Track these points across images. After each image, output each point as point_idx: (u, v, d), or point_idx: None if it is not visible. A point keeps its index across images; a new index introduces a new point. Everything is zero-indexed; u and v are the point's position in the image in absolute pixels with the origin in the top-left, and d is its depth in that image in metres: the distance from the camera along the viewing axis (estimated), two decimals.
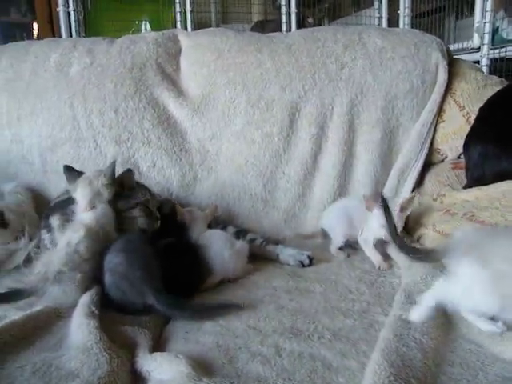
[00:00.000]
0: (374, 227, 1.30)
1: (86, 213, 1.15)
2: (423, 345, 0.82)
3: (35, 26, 3.61)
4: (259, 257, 1.37)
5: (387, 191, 1.56)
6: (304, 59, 1.58)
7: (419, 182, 1.58)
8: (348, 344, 0.88)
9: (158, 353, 0.86)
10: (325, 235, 1.41)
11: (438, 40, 1.64)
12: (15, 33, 3.59)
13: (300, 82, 1.56)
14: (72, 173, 1.23)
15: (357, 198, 1.48)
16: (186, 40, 1.69)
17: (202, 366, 0.81)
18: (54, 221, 1.30)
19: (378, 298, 1.09)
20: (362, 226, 1.36)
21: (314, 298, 1.10)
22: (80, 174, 1.23)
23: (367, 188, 1.56)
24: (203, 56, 1.62)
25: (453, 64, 1.63)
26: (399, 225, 1.30)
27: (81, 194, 1.17)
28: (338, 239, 1.38)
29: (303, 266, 1.32)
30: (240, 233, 1.40)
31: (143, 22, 3.53)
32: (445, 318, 0.93)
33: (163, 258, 1.10)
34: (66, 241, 1.10)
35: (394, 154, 1.59)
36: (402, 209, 1.31)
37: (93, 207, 1.16)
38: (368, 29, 1.67)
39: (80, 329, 0.89)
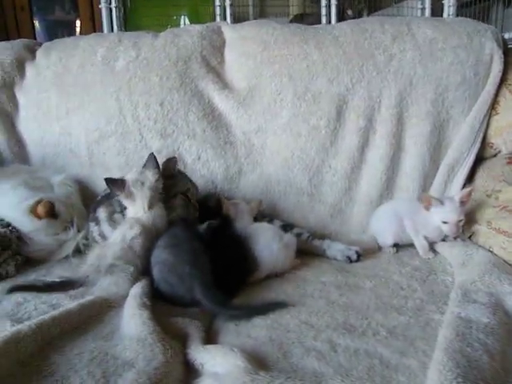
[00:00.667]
0: (430, 226, 1.32)
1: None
2: (488, 346, 0.79)
3: (78, 23, 3.67)
4: (305, 251, 1.35)
5: (436, 186, 1.52)
6: (352, 51, 1.54)
7: (469, 178, 1.52)
8: (405, 342, 0.85)
9: (212, 345, 0.86)
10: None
11: (492, 28, 1.57)
12: (59, 31, 3.67)
13: (348, 75, 1.53)
14: (115, 182, 1.20)
15: (404, 199, 1.46)
16: (231, 32, 1.68)
17: (256, 360, 0.80)
18: (101, 214, 1.32)
19: (431, 296, 1.06)
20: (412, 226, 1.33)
21: (365, 293, 1.08)
22: (122, 180, 1.21)
23: (415, 182, 1.51)
24: (249, 48, 1.60)
25: (508, 53, 1.56)
26: (461, 218, 1.28)
27: (140, 197, 1.17)
28: (387, 243, 1.37)
29: (351, 261, 1.30)
30: (286, 227, 1.39)
31: (182, 17, 3.55)
32: (507, 318, 0.89)
33: (209, 250, 1.10)
34: (120, 236, 1.12)
35: (443, 148, 1.53)
36: (462, 202, 1.28)
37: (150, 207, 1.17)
38: (417, 19, 1.62)
39: (133, 319, 0.90)
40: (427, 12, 3.07)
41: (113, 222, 1.29)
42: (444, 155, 1.53)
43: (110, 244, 1.14)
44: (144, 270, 1.09)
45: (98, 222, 1.33)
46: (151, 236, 1.12)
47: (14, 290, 1.09)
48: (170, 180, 1.26)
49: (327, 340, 0.87)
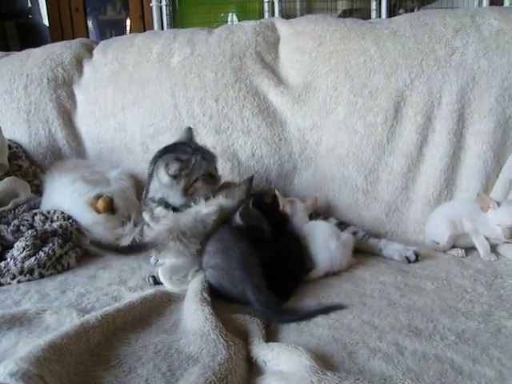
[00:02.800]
0: (489, 228, 1.27)
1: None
2: None
3: (128, 22, 3.75)
4: (360, 250, 1.32)
5: (499, 186, 1.44)
6: (411, 45, 1.49)
7: None
8: (477, 349, 0.82)
9: (275, 343, 0.85)
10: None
11: None
12: (110, 30, 3.76)
13: (406, 70, 1.48)
14: None
15: (463, 199, 1.41)
16: (285, 28, 1.67)
17: (321, 359, 0.78)
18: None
19: (500, 301, 1.01)
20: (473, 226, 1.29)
21: (427, 295, 1.05)
22: None
23: (476, 183, 1.45)
24: (304, 44, 1.58)
25: None
26: None
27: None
28: (445, 245, 1.32)
29: (409, 261, 1.26)
30: (341, 225, 1.36)
31: (229, 14, 3.56)
32: None
33: (265, 248, 1.09)
34: (195, 210, 1.14)
35: (507, 147, 1.46)
36: None
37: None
38: (482, 9, 1.54)
39: (195, 314, 0.90)
40: (485, 3, 2.92)
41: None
42: (508, 154, 1.46)
43: (184, 213, 1.16)
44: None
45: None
46: (223, 219, 1.14)
47: (93, 244, 1.21)
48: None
49: (393, 342, 0.84)
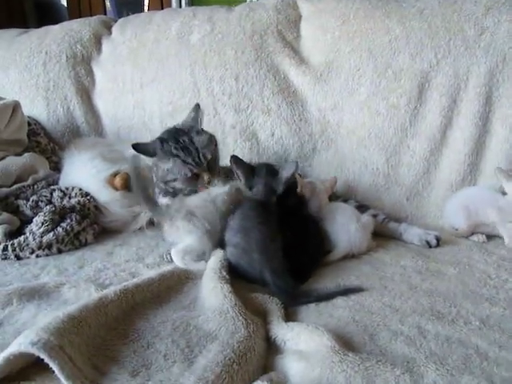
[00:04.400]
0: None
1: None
2: None
3: (146, 1, 3.71)
4: (380, 234, 1.30)
5: None
6: (438, 24, 1.45)
7: None
8: (503, 335, 0.80)
9: (295, 322, 0.83)
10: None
11: None
12: (128, 9, 3.72)
13: (432, 50, 1.44)
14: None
15: (485, 187, 1.38)
16: (307, 6, 1.63)
17: (341, 340, 0.77)
18: None
19: None
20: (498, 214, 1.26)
21: (449, 280, 1.02)
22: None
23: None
24: (327, 22, 1.54)
25: None
26: None
27: None
28: (464, 232, 1.29)
29: (430, 246, 1.24)
30: (361, 208, 1.34)
31: None
32: None
33: (284, 229, 1.07)
34: (207, 192, 1.13)
35: None
36: None
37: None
38: None
39: (214, 292, 0.89)
40: None
41: None
42: None
43: (197, 195, 1.16)
44: (221, 231, 1.09)
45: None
46: (234, 201, 1.12)
47: None
48: None
49: (415, 325, 0.82)
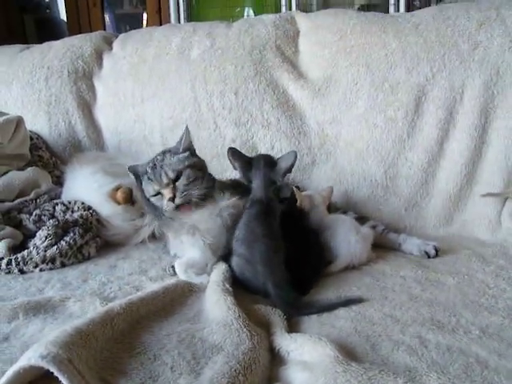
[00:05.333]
0: None
1: None
2: None
3: (144, 16, 3.76)
4: (379, 245, 1.31)
5: None
6: (433, 39, 1.48)
7: None
8: (502, 343, 0.81)
9: (298, 333, 0.85)
10: None
11: None
12: (127, 25, 3.77)
13: (428, 64, 1.47)
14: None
15: None
16: (305, 21, 1.66)
17: (344, 350, 0.78)
18: None
19: None
20: None
21: (449, 290, 1.04)
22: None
23: (498, 177, 1.42)
24: (324, 37, 1.58)
25: None
26: None
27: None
28: None
29: (428, 256, 1.25)
30: (360, 219, 1.35)
31: (246, 9, 3.55)
32: None
33: (286, 241, 1.08)
34: (213, 205, 1.14)
35: None
36: None
37: None
38: (509, 2, 1.51)
39: (218, 304, 0.91)
40: None
41: None
42: None
43: (203, 209, 1.16)
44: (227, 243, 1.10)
45: None
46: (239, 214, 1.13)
47: None
48: None
49: (416, 335, 0.84)
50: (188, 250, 1.11)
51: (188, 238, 1.10)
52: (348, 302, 0.97)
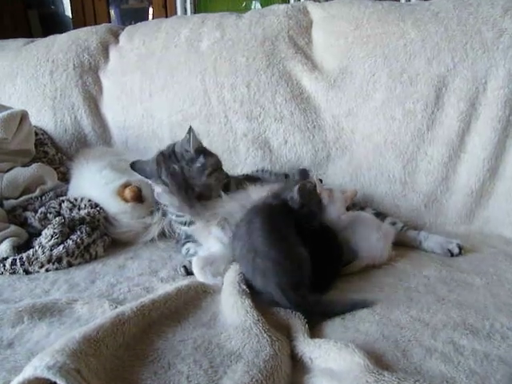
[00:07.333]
0: None
1: None
2: None
3: (150, 10, 3.71)
4: (398, 242, 1.24)
5: None
6: (454, 27, 1.41)
7: None
8: None
9: (321, 339, 0.79)
10: None
11: None
12: (132, 19, 3.71)
13: (449, 54, 1.40)
14: None
15: None
16: (318, 11, 1.60)
17: (372, 357, 0.72)
18: None
19: None
20: None
21: (478, 291, 0.98)
22: None
23: None
24: (339, 27, 1.51)
25: None
26: None
27: None
28: None
29: (452, 255, 1.19)
30: (379, 216, 1.30)
31: (253, 2, 3.49)
32: None
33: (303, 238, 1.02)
34: (246, 195, 1.10)
35: None
36: None
37: None
38: None
39: (235, 307, 0.85)
40: None
41: None
42: None
43: (236, 200, 1.12)
44: None
45: None
46: None
47: None
48: None
49: (448, 340, 0.78)
50: (213, 242, 1.07)
51: (217, 231, 1.06)
52: (355, 305, 0.91)
